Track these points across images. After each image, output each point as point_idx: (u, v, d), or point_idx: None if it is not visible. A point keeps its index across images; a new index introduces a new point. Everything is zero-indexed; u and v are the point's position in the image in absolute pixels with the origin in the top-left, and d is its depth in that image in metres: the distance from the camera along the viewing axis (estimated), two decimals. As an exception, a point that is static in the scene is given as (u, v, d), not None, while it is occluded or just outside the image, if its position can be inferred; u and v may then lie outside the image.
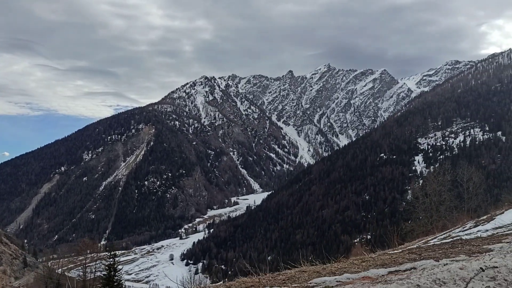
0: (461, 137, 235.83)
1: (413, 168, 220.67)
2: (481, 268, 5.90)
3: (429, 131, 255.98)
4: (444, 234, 17.09)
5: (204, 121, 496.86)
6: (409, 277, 6.06)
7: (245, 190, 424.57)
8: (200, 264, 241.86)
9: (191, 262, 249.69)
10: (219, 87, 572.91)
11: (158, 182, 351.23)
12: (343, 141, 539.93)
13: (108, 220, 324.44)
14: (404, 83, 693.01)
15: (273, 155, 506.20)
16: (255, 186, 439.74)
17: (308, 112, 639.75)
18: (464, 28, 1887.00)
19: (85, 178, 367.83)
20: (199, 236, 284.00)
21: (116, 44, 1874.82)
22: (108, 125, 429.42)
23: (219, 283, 9.51)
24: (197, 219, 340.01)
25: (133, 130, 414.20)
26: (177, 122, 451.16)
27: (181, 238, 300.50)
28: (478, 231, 16.38)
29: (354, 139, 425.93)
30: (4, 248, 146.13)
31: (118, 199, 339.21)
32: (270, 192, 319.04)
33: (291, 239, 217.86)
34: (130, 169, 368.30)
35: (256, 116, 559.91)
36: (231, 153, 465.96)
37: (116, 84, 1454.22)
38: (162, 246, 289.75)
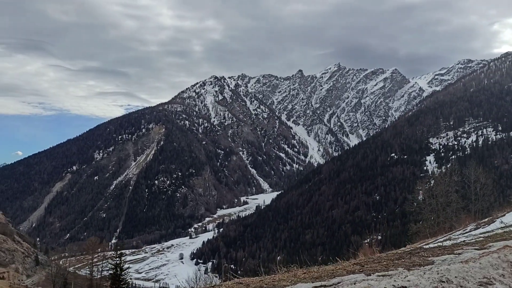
0: (473, 137, 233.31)
1: (425, 168, 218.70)
2: None
3: (441, 131, 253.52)
4: (445, 236, 16.77)
5: (214, 121, 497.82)
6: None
7: (255, 189, 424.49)
8: (210, 263, 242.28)
9: (201, 261, 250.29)
10: (228, 86, 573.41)
11: (168, 182, 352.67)
12: (353, 140, 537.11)
13: (119, 219, 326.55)
14: (416, 82, 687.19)
15: (282, 155, 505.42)
16: (265, 185, 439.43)
17: (318, 112, 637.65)
18: (476, 27, 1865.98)
19: (96, 177, 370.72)
20: (209, 235, 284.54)
21: (127, 44, 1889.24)
22: (119, 125, 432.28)
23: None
24: (207, 219, 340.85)
25: (143, 130, 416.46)
26: (187, 122, 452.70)
27: (190, 237, 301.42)
28: (478, 233, 15.99)
29: (364, 138, 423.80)
30: (17, 247, 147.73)
31: (128, 198, 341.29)
32: (279, 192, 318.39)
33: (300, 239, 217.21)
34: (140, 169, 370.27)
35: (265, 116, 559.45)
36: (241, 153, 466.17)
37: (127, 84, 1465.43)
38: (172, 245, 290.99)
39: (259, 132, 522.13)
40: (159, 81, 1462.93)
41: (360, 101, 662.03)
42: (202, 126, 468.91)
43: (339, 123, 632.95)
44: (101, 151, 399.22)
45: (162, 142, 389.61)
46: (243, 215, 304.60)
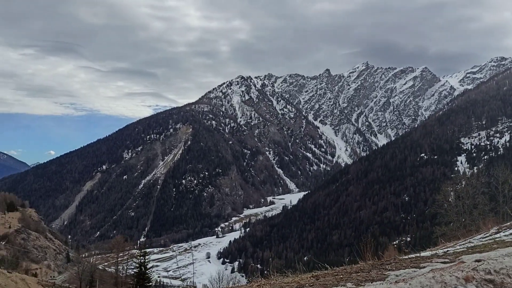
0: (506, 137, 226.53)
1: (456, 168, 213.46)
2: None
3: (472, 131, 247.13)
4: (465, 240, 16.05)
5: (240, 121, 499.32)
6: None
7: (281, 189, 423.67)
8: (236, 263, 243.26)
9: (228, 260, 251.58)
10: (255, 86, 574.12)
11: (195, 181, 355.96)
12: (381, 140, 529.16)
13: (147, 217, 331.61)
14: (447, 80, 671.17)
15: (309, 155, 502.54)
16: (291, 185, 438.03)
17: (346, 111, 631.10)
18: (510, 23, 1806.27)
19: (125, 177, 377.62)
20: (235, 235, 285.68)
21: (155, 45, 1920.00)
22: (147, 125, 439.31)
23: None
24: (233, 218, 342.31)
25: (171, 130, 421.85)
26: (213, 122, 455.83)
27: (217, 237, 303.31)
28: (487, 239, 15.16)
29: (393, 138, 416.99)
30: (49, 244, 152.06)
31: (156, 197, 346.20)
32: (306, 192, 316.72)
33: (327, 240, 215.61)
34: (168, 168, 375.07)
35: (292, 116, 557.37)
36: (267, 153, 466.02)
37: (155, 85, 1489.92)
38: (199, 244, 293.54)
39: (285, 132, 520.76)
40: (187, 82, 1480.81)
41: (389, 100, 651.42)
42: (229, 126, 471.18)
43: (367, 123, 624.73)
44: (130, 150, 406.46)
45: (189, 142, 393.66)
46: (270, 215, 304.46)
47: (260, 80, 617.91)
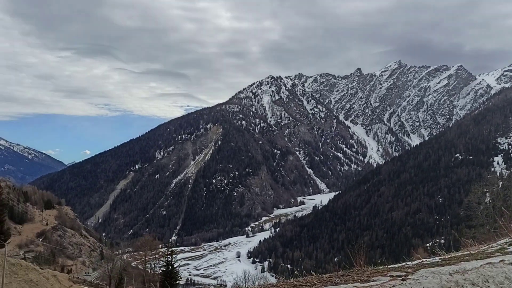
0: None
1: (492, 169, 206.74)
2: None
3: (510, 130, 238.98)
4: (488, 245, 15.29)
5: (270, 121, 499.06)
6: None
7: (312, 190, 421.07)
8: (266, 262, 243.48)
9: (257, 260, 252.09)
10: (285, 86, 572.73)
11: (225, 181, 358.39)
12: (415, 140, 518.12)
13: (179, 216, 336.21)
14: (483, 79, 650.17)
15: (340, 155, 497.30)
16: (322, 186, 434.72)
17: (378, 111, 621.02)
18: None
19: (157, 176, 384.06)
20: (265, 234, 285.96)
21: (186, 47, 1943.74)
22: (178, 125, 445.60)
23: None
24: (263, 218, 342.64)
25: (201, 130, 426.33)
26: (243, 122, 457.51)
27: (247, 236, 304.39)
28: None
29: (427, 138, 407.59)
30: (84, 241, 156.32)
31: (187, 196, 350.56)
32: (337, 193, 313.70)
33: (358, 241, 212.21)
34: (199, 168, 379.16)
35: (322, 115, 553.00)
36: (297, 153, 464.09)
37: (187, 86, 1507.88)
38: (229, 243, 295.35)
39: (316, 132, 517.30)
40: (217, 82, 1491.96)
41: (423, 99, 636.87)
42: (259, 126, 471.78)
43: (399, 123, 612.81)
44: (161, 150, 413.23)
45: (219, 142, 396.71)
46: (300, 215, 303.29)
47: (290, 80, 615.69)
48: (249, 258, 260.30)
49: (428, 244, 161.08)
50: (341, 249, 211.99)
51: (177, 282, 32.76)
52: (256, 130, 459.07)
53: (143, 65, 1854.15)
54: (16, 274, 24.17)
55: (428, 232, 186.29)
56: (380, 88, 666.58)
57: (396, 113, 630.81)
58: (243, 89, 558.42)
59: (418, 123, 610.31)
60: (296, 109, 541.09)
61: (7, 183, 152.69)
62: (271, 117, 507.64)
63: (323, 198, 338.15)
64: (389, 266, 9.58)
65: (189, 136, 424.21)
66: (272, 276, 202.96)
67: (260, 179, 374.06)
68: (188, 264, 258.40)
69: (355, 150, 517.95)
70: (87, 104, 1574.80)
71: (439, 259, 9.29)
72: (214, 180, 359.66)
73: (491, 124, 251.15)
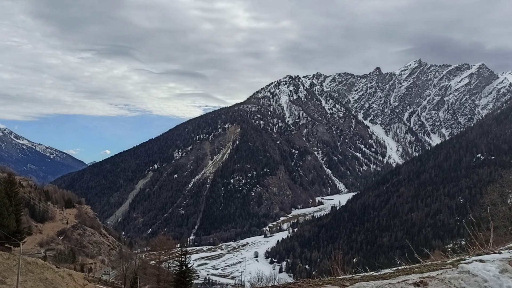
0: None
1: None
2: None
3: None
4: (506, 247, 14.60)
5: (288, 120, 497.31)
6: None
7: (330, 190, 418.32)
8: (284, 262, 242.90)
9: (275, 260, 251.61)
10: (303, 86, 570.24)
11: (243, 180, 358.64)
12: (435, 140, 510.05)
13: (197, 216, 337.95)
14: (505, 77, 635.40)
15: (359, 155, 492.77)
16: (340, 186, 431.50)
17: (397, 110, 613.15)
18: None
19: (175, 175, 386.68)
20: (283, 234, 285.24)
21: (204, 47, 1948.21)
22: (196, 125, 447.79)
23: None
24: (281, 218, 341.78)
25: (219, 130, 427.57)
26: (261, 122, 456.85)
27: (265, 236, 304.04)
28: None
29: (447, 138, 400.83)
30: (103, 240, 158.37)
31: (205, 196, 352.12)
32: (355, 193, 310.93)
33: (377, 241, 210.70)
34: (217, 167, 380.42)
35: (341, 115, 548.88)
36: (316, 153, 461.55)
37: (205, 86, 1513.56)
38: (247, 243, 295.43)
39: (334, 132, 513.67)
40: (235, 82, 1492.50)
41: (443, 98, 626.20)
42: (277, 125, 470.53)
43: (419, 122, 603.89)
44: (180, 150, 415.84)
45: (237, 142, 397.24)
46: (318, 216, 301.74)
47: (309, 79, 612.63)
48: (267, 258, 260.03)
49: (448, 246, 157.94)
50: (359, 250, 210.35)
51: (191, 282, 32.70)
52: (274, 130, 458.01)
53: (162, 65, 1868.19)
54: (31, 272, 24.42)
55: (449, 233, 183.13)
56: (400, 87, 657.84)
57: (416, 113, 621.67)
58: (261, 89, 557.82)
59: (438, 123, 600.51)
60: (314, 109, 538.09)
61: (29, 182, 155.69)
62: (289, 117, 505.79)
63: (342, 199, 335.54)
64: (340, 277, 9.19)
65: (207, 136, 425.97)
66: (290, 276, 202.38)
67: (278, 179, 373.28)
68: (206, 263, 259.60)
69: (374, 150, 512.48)
70: (107, 105, 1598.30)
71: (374, 274, 8.83)
72: (232, 180, 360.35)
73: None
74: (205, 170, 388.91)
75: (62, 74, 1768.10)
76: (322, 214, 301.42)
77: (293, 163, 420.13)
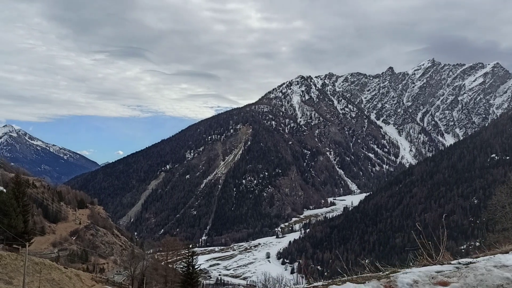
0: None
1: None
2: None
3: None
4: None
5: (300, 121, 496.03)
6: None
7: (342, 190, 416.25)
8: (296, 263, 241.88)
9: (287, 261, 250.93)
10: (315, 86, 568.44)
11: (255, 181, 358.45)
12: (449, 140, 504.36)
13: (209, 216, 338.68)
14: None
15: (371, 155, 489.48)
16: (353, 186, 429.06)
17: (410, 110, 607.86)
18: None
19: (187, 176, 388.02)
20: (295, 235, 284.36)
21: (216, 48, 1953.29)
22: (208, 126, 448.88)
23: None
24: (293, 219, 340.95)
25: (231, 130, 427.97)
26: (273, 122, 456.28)
27: (277, 237, 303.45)
28: None
29: (461, 138, 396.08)
30: (115, 240, 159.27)
31: (217, 196, 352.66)
32: (368, 194, 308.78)
33: (390, 242, 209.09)
34: (228, 168, 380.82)
35: (353, 115, 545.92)
36: (328, 153, 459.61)
37: (217, 86, 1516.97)
38: (259, 244, 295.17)
39: (346, 132, 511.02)
40: (247, 83, 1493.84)
41: (457, 98, 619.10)
42: (289, 126, 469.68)
43: (433, 122, 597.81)
44: (192, 151, 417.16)
45: (249, 142, 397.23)
46: (330, 216, 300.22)
47: (321, 79, 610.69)
48: (278, 259, 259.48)
49: (462, 247, 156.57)
50: (372, 251, 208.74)
51: (198, 283, 32.64)
52: (286, 131, 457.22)
53: (174, 66, 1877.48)
54: (38, 273, 24.57)
55: (462, 234, 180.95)
56: (413, 87, 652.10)
57: (430, 113, 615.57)
58: (273, 89, 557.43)
59: (452, 123, 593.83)
60: (327, 109, 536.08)
61: (42, 183, 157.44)
62: (301, 117, 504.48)
63: (354, 199, 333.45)
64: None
65: (219, 136, 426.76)
66: (302, 277, 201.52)
67: (290, 180, 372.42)
68: (218, 264, 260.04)
69: (386, 150, 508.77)
70: (120, 106, 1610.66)
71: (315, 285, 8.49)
72: (243, 181, 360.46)
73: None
74: (217, 171, 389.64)
75: (76, 76, 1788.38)
76: (334, 215, 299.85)
77: (305, 163, 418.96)
